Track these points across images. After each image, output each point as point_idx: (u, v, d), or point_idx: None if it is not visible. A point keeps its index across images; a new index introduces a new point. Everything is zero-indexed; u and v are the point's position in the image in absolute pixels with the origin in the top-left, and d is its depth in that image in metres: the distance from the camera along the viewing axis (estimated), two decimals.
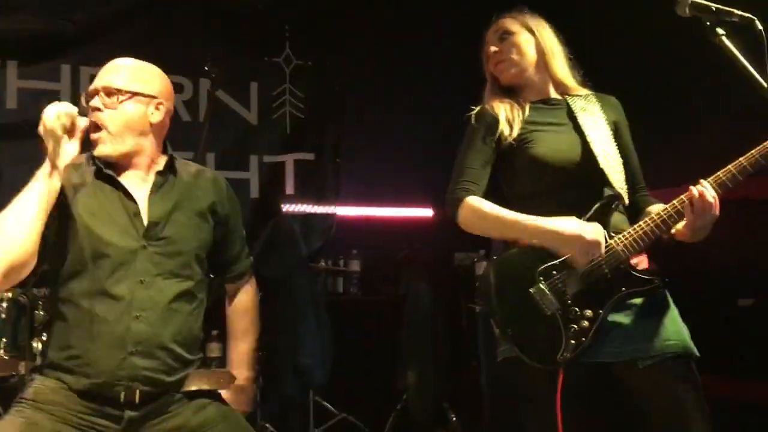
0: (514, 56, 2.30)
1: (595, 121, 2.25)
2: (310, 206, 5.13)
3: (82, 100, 2.17)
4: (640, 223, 2.08)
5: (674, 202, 2.05)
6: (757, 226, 3.26)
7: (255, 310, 2.48)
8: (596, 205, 2.12)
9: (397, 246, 5.08)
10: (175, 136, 2.38)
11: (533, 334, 2.10)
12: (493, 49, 2.34)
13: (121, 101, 2.16)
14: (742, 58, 1.85)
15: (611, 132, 2.27)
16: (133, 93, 2.18)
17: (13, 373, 3.33)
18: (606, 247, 2.07)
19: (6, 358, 3.30)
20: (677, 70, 3.85)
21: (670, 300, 2.15)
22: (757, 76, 1.81)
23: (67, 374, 2.03)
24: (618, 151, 2.24)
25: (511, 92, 2.35)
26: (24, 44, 4.43)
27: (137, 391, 2.01)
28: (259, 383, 4.18)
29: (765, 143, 1.97)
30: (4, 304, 3.32)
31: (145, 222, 2.13)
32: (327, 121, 5.27)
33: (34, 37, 4.46)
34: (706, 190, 2.00)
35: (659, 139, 3.84)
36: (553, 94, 2.34)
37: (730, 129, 3.45)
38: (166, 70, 5.21)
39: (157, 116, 2.22)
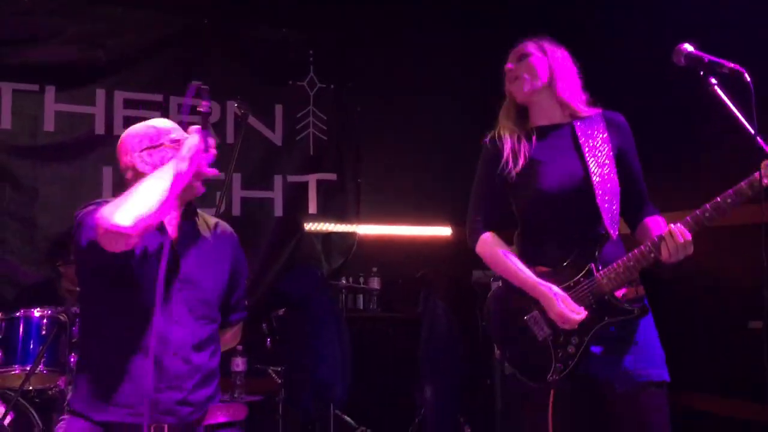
0: (527, 75, 2.42)
1: (598, 147, 2.37)
2: (332, 225, 5.28)
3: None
4: (625, 258, 2.25)
5: (654, 238, 2.19)
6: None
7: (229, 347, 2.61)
8: (583, 245, 2.31)
9: (416, 264, 5.21)
10: None
11: (527, 356, 2.37)
12: (508, 66, 2.49)
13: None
14: (731, 106, 1.97)
15: (615, 155, 2.37)
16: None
17: (52, 385, 3.50)
18: (591, 280, 2.27)
19: (45, 372, 3.45)
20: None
21: (651, 327, 2.33)
22: (745, 122, 1.94)
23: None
24: (620, 175, 2.35)
25: (524, 112, 2.50)
26: (61, 70, 4.61)
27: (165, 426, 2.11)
28: (281, 397, 4.32)
29: (740, 184, 2.08)
30: (45, 321, 3.47)
31: (180, 267, 2.21)
32: (348, 143, 5.41)
33: (71, 63, 4.64)
34: (677, 232, 2.14)
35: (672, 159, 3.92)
36: (560, 117, 2.45)
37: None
38: None
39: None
